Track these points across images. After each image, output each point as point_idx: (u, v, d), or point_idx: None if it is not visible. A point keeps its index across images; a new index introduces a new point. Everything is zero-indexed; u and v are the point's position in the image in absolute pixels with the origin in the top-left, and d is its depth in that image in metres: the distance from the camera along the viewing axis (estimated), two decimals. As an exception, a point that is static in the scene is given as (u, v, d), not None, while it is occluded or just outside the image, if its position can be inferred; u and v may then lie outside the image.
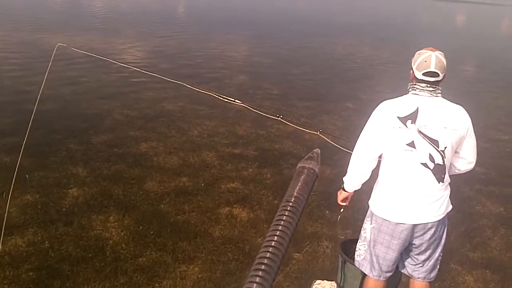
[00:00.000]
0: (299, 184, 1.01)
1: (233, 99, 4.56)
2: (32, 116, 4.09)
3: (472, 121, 2.87)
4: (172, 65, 12.60)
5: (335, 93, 11.01)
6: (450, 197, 2.88)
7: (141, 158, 6.24)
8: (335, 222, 4.98)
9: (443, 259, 3.17)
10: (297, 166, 1.11)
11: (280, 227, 0.85)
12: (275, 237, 0.81)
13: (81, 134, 6.89)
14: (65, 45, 5.13)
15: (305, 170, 1.06)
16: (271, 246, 0.79)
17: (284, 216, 0.89)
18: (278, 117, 4.44)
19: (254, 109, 4.87)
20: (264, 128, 7.93)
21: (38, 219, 4.59)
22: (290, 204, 0.95)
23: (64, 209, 4.85)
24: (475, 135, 2.91)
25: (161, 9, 31.10)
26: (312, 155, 1.13)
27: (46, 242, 4.24)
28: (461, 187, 6.31)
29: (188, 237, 4.51)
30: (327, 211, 5.19)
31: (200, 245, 4.40)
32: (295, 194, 0.97)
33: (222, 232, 4.65)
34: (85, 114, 7.78)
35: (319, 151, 1.18)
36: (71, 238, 4.36)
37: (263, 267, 0.75)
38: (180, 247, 4.33)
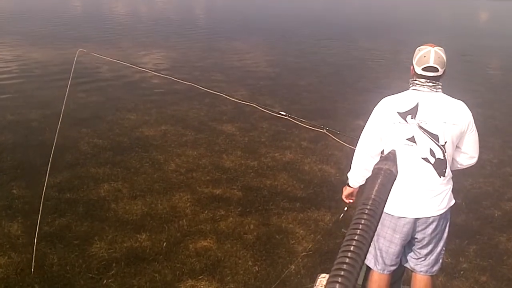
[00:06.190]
0: (376, 186, 0.88)
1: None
2: None
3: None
4: (164, 79, 11.44)
5: (345, 108, 9.72)
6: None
7: (95, 206, 5.08)
8: None
9: None
10: (373, 168, 0.97)
11: (358, 231, 0.76)
12: (354, 242, 0.74)
13: (32, 173, 5.76)
14: (85, 50, 5.10)
15: (382, 172, 0.94)
16: (350, 251, 0.73)
17: (363, 220, 0.79)
18: (285, 116, 4.47)
19: (261, 107, 4.94)
20: (257, 157, 6.71)
21: None
22: (368, 207, 0.81)
23: (-28, 291, 3.72)
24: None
25: (168, 16, 30.12)
26: (388, 156, 1.00)
27: None
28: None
29: (128, 333, 3.34)
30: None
31: None
32: (372, 197, 0.84)
33: (175, 324, 3.46)
34: (46, 145, 6.61)
35: (395, 151, 1.03)
36: None
37: (342, 272, 0.70)
38: None
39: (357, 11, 39.83)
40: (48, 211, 4.93)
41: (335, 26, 26.38)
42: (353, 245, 0.76)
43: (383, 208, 0.85)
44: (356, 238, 0.77)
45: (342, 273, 0.72)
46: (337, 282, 0.70)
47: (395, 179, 0.95)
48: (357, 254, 0.74)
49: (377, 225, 0.81)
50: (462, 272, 4.31)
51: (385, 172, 0.96)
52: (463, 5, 49.73)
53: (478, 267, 4.42)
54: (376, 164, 0.97)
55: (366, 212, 0.82)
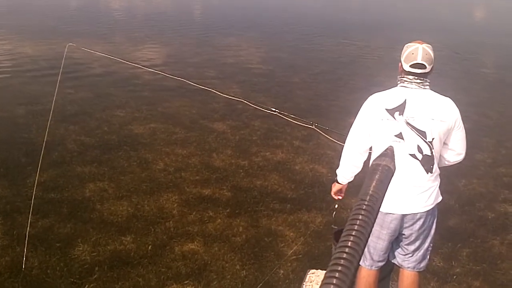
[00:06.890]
0: (374, 182, 0.88)
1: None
2: None
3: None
4: (156, 75, 11.27)
5: (337, 105, 9.60)
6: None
7: (80, 207, 4.94)
8: None
9: None
10: (370, 164, 0.95)
11: (356, 227, 0.78)
12: (351, 237, 0.76)
13: (16, 172, 5.62)
14: (74, 45, 5.10)
15: (380, 168, 0.93)
16: (348, 246, 0.74)
17: (360, 216, 0.80)
18: (274, 112, 4.54)
19: (252, 104, 5.14)
20: (247, 156, 6.59)
21: None
22: (366, 203, 0.83)
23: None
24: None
25: (163, 11, 29.89)
26: (386, 152, 0.99)
27: None
28: None
29: None
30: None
31: None
32: (370, 193, 0.85)
33: (157, 332, 3.33)
34: (32, 143, 6.50)
35: (393, 148, 1.01)
36: None
37: (340, 268, 0.70)
38: None
39: (353, 8, 39.66)
40: (32, 211, 4.79)
41: (331, 22, 26.22)
42: (351, 241, 0.77)
43: (381, 204, 0.84)
44: (353, 233, 0.78)
45: (340, 268, 0.72)
46: (335, 277, 0.70)
47: (393, 175, 0.96)
48: (355, 250, 0.75)
49: (375, 220, 0.82)
50: (454, 277, 4.22)
51: (383, 168, 0.95)
52: (461, 3, 49.63)
53: (471, 272, 4.33)
54: (374, 160, 0.95)
55: (364, 208, 0.83)
